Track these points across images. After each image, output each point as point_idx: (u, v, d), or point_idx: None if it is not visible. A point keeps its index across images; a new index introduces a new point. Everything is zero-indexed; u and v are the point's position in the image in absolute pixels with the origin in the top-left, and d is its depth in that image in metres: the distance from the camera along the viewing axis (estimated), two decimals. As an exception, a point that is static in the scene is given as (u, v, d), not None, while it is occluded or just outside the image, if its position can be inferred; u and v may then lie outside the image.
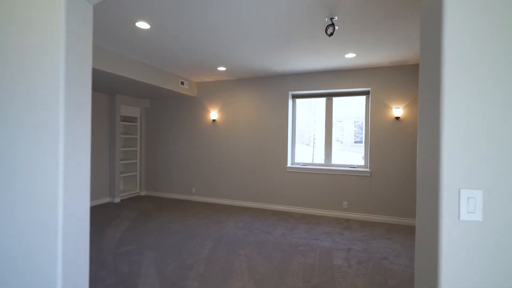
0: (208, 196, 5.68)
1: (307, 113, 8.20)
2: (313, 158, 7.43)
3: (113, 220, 4.35)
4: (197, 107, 5.78)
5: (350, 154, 8.70)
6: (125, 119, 6.19)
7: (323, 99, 4.98)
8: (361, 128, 8.80)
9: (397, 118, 4.26)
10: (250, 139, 5.28)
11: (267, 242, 3.46)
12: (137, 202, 5.65)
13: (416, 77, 4.17)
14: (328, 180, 4.69)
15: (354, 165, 4.69)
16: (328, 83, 4.70)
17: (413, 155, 4.18)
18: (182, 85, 5.28)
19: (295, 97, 5.14)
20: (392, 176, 4.30)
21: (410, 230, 3.95)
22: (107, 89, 5.16)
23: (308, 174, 4.83)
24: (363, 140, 4.84)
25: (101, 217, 4.52)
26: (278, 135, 5.05)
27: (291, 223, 4.28)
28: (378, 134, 4.39)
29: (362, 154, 8.93)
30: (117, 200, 5.63)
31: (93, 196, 5.34)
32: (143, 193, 6.34)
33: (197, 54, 3.85)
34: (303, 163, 5.07)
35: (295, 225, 4.15)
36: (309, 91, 4.88)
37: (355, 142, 9.14)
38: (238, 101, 5.39)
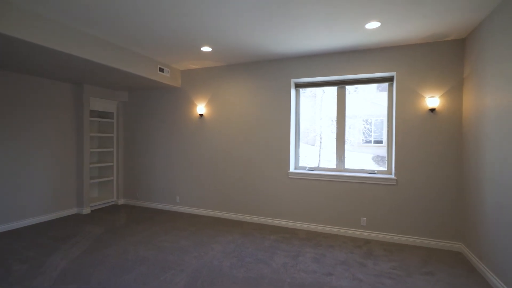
0: (195, 206, 4.73)
1: (312, 109, 7.24)
2: (319, 161, 6.46)
3: (68, 241, 3.41)
4: (182, 100, 4.83)
5: (359, 155, 7.74)
6: (100, 114, 5.27)
7: (334, 89, 4.02)
8: (370, 124, 7.83)
9: (432, 110, 3.29)
10: (244, 138, 4.33)
11: (262, 279, 2.50)
12: (111, 213, 4.71)
13: (459, 55, 3.20)
14: (341, 190, 3.73)
15: (373, 171, 3.72)
16: (341, 68, 3.74)
17: (454, 157, 3.20)
18: (161, 73, 4.34)
19: (299, 86, 4.19)
20: (425, 184, 3.33)
21: (455, 259, 2.97)
22: (69, 77, 4.24)
23: (315, 181, 3.87)
24: (385, 139, 3.87)
25: (54, 235, 3.58)
26: (278, 133, 4.09)
27: (295, 245, 3.32)
28: (406, 132, 3.42)
29: (372, 155, 7.95)
30: (86, 211, 4.70)
31: (55, 206, 4.41)
32: (121, 201, 5.41)
33: (166, 25, 2.90)
34: (309, 167, 4.11)
35: (301, 249, 3.19)
36: (317, 78, 3.92)
37: (364, 142, 8.20)
38: (229, 92, 4.44)
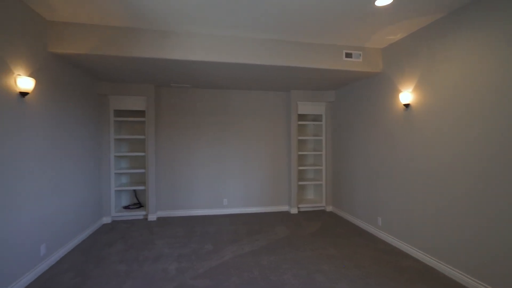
0: (399, 238, 3.28)
1: None
2: None
3: (253, 236, 3.68)
4: (383, 88, 3.58)
5: None
6: (314, 117, 5.34)
7: None
8: None
9: None
10: (481, 137, 2.30)
11: None
12: (310, 219, 4.55)
13: None
14: None
15: None
16: None
17: None
18: (349, 58, 3.48)
19: None
20: None
21: None
22: (279, 87, 4.65)
23: None
24: None
25: (251, 228, 4.03)
26: None
27: None
28: None
29: None
30: (293, 210, 4.92)
31: (272, 201, 5.07)
32: (329, 208, 5.09)
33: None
34: None
35: None
36: None
37: None
38: (449, 63, 2.57)
